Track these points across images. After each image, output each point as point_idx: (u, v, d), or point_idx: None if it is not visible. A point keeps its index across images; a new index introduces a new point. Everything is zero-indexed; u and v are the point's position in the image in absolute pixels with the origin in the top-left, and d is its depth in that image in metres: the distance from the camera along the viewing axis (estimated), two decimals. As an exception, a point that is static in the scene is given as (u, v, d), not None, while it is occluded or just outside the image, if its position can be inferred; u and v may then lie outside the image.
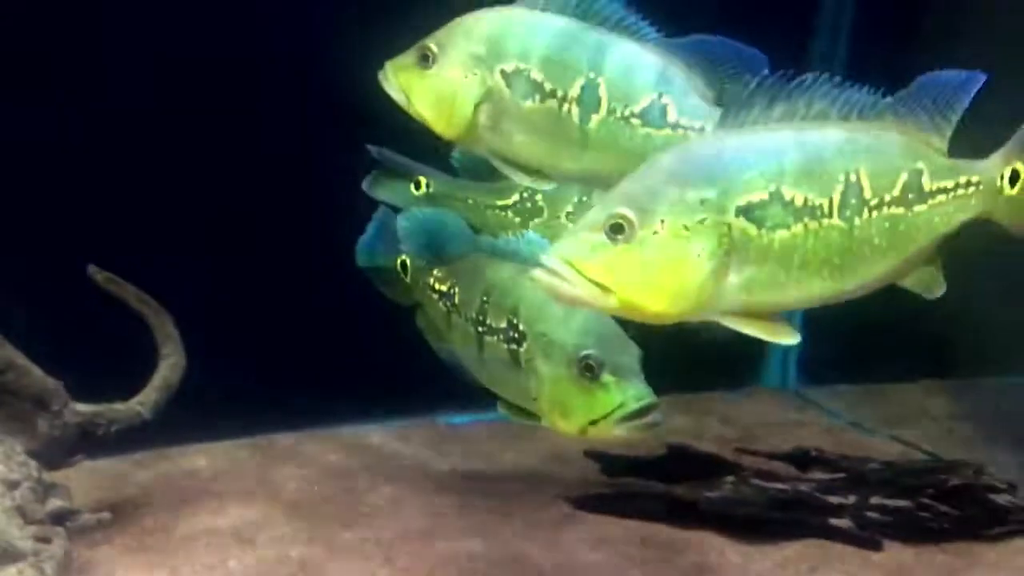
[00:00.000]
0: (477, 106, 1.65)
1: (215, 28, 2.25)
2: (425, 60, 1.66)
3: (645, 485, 2.17)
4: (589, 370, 1.61)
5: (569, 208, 2.01)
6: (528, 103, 1.62)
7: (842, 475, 2.15)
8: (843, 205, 1.40)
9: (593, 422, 1.63)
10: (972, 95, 1.47)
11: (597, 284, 1.33)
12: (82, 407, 1.98)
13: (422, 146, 1.96)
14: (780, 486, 2.10)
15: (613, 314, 1.49)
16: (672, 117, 1.57)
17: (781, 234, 1.38)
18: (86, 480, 2.14)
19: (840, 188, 1.40)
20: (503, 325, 1.76)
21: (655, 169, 1.38)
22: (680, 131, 1.57)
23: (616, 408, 1.60)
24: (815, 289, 1.43)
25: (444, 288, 1.94)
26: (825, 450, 2.22)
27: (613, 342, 1.64)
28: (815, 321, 2.89)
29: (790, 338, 1.43)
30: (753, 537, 2.06)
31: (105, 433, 2.00)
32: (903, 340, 2.82)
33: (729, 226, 1.36)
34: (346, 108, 2.13)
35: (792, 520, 2.08)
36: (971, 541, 2.12)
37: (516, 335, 1.74)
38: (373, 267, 2.08)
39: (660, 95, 1.57)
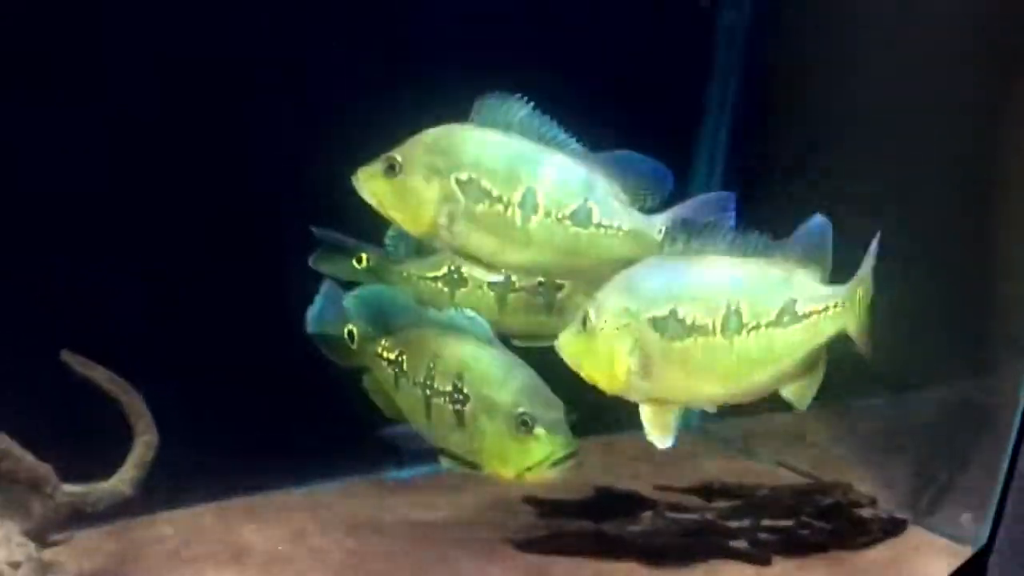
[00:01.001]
0: (437, 209, 1.92)
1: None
2: (392, 170, 1.94)
3: (577, 524, 2.46)
4: (524, 425, 1.90)
5: (490, 279, 2.28)
6: (479, 207, 1.89)
7: (739, 502, 2.51)
8: (724, 326, 1.77)
9: (528, 468, 1.93)
10: (826, 236, 1.84)
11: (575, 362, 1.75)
12: (70, 488, 2.12)
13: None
14: (689, 516, 2.44)
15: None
16: (596, 218, 1.88)
17: (677, 344, 1.77)
18: (64, 553, 2.28)
19: (723, 312, 1.77)
20: (448, 388, 2.01)
21: (615, 282, 1.79)
22: (602, 230, 1.88)
23: (548, 455, 1.91)
24: (706, 391, 1.83)
25: (392, 356, 2.17)
26: (725, 481, 2.57)
27: (543, 401, 1.93)
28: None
29: (663, 442, 1.84)
30: (669, 562, 2.39)
31: (92, 510, 2.17)
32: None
33: (641, 332, 1.75)
34: (293, 185, 2.38)
35: (700, 545, 2.42)
36: (843, 551, 2.51)
37: (460, 396, 1.99)
38: (321, 335, 2.28)
39: (586, 200, 1.87)
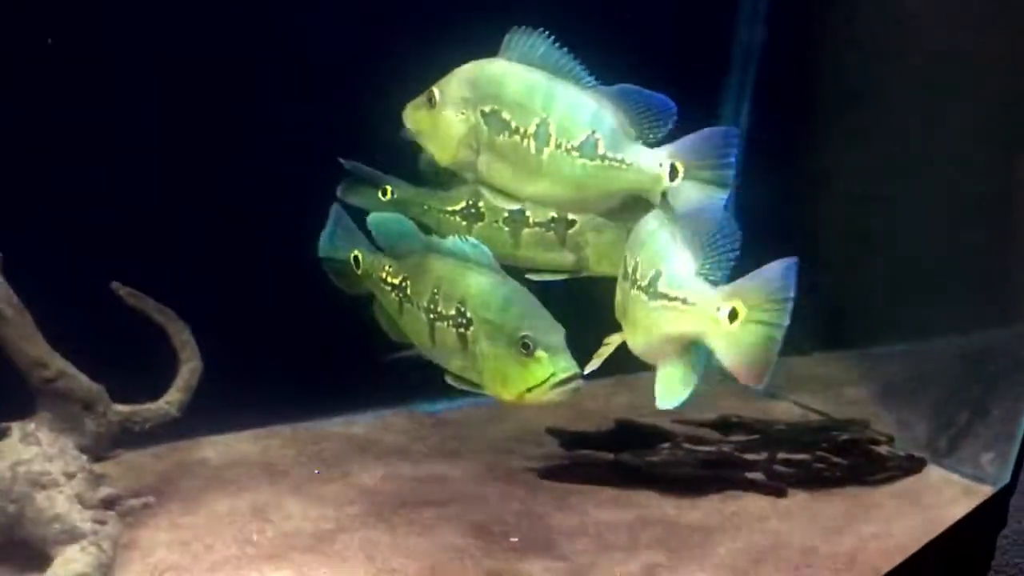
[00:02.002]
0: (464, 139, 2.00)
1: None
2: (430, 102, 2.02)
3: (597, 455, 2.57)
4: (526, 348, 1.94)
5: (505, 214, 2.35)
6: (499, 138, 1.96)
7: (756, 436, 2.59)
8: (627, 277, 1.88)
9: (529, 389, 1.97)
10: (706, 223, 1.77)
11: None
12: (121, 407, 2.26)
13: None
14: (707, 448, 2.53)
15: None
16: (601, 150, 1.90)
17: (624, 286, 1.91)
18: (116, 471, 2.42)
19: (631, 266, 1.87)
20: (452, 312, 2.06)
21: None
22: (606, 162, 1.90)
23: (548, 378, 1.94)
24: (633, 337, 1.90)
25: (396, 281, 2.23)
26: (743, 416, 2.65)
27: (544, 324, 1.98)
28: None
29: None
30: (686, 492, 2.49)
31: (140, 429, 2.30)
32: (800, 319, 3.29)
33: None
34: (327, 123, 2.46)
35: (717, 476, 2.51)
36: (858, 485, 2.59)
37: (463, 320, 2.04)
38: (330, 259, 2.34)
39: (593, 131, 1.90)
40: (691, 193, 1.84)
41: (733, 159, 1.85)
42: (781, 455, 2.56)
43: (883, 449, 2.66)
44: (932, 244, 3.02)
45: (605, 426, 2.63)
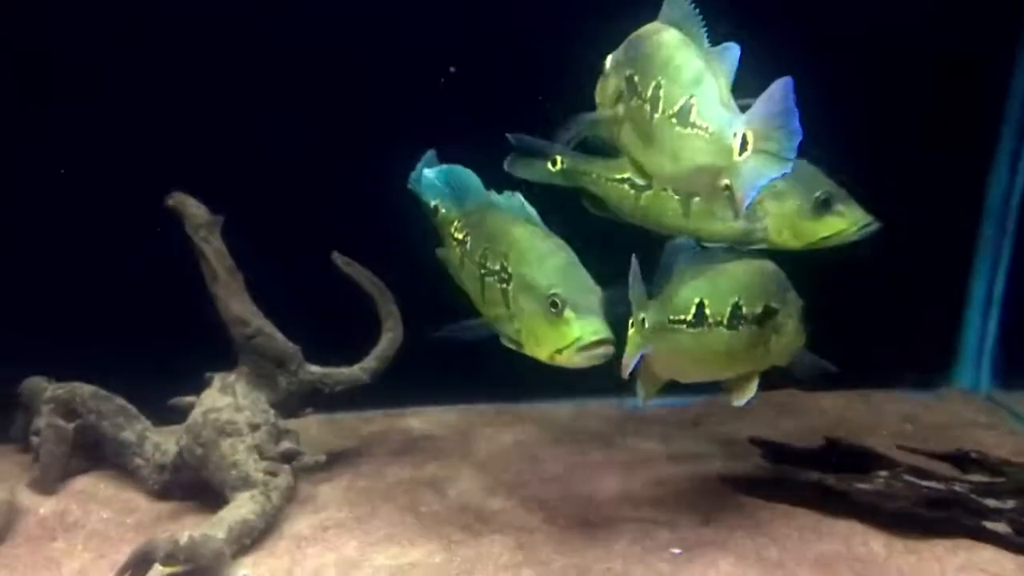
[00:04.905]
0: (615, 104, 1.90)
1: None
2: (603, 70, 1.97)
3: (800, 472, 2.24)
4: (555, 306, 1.85)
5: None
6: (633, 102, 1.84)
7: (1001, 479, 2.10)
8: None
9: (558, 350, 1.87)
10: None
11: None
12: (314, 368, 2.41)
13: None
14: (934, 485, 2.10)
15: None
16: (692, 117, 1.70)
17: None
18: (324, 429, 2.62)
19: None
20: (497, 267, 2.00)
21: None
22: (696, 130, 1.69)
23: (575, 340, 1.84)
24: None
25: (461, 236, 2.16)
26: (988, 454, 2.17)
27: (577, 285, 1.88)
28: (1012, 324, 2.81)
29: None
30: (901, 531, 2.09)
31: (331, 392, 2.43)
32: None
33: None
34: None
35: (943, 519, 2.07)
36: None
37: (506, 276, 1.98)
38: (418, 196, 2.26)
39: (691, 96, 1.71)
40: (753, 170, 1.61)
41: (796, 123, 1.56)
42: (1035, 506, 2.04)
43: None
44: None
45: (813, 442, 2.28)
